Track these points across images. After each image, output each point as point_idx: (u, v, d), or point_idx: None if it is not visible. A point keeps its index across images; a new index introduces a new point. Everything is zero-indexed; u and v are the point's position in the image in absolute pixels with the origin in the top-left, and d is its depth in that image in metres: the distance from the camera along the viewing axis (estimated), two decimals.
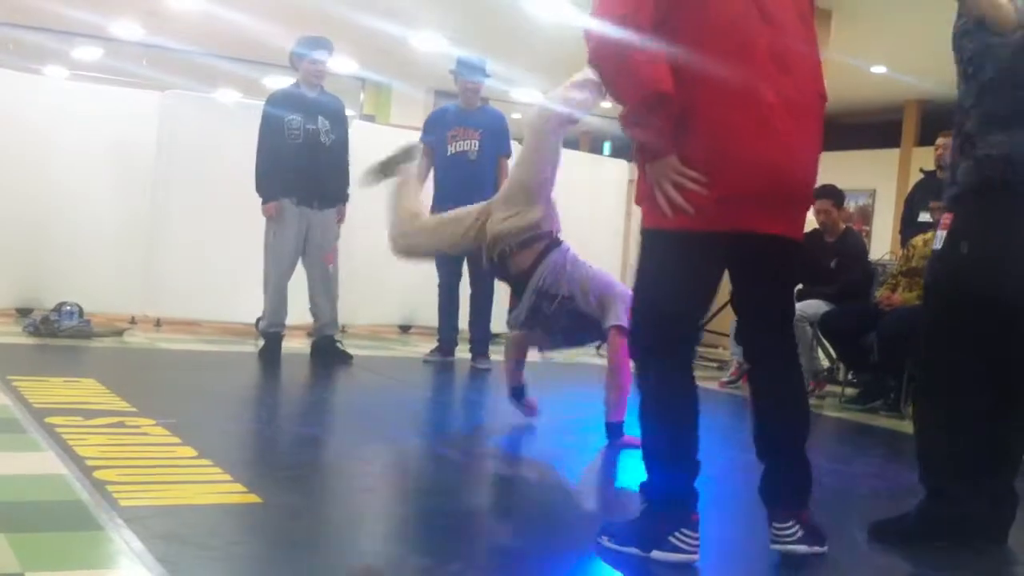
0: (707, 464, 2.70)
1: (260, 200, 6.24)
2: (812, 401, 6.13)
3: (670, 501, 2.67)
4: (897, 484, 4.13)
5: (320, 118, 6.30)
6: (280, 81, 14.00)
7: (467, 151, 6.72)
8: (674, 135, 2.53)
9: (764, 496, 2.78)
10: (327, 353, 6.40)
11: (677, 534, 2.62)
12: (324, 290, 6.41)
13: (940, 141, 7.25)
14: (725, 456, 3.88)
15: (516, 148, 6.90)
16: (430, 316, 8.11)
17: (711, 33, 2.55)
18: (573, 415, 4.97)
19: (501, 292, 7.16)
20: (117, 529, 2.53)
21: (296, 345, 6.76)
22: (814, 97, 2.68)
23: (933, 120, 12.84)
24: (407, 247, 4.77)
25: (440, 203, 6.65)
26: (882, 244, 12.19)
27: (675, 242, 2.61)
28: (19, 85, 7.25)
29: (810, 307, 6.27)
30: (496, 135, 6.83)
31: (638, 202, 2.71)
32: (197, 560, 2.41)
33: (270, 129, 6.23)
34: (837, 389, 6.51)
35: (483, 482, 3.67)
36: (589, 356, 8.29)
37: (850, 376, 6.64)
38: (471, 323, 6.86)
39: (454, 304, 6.86)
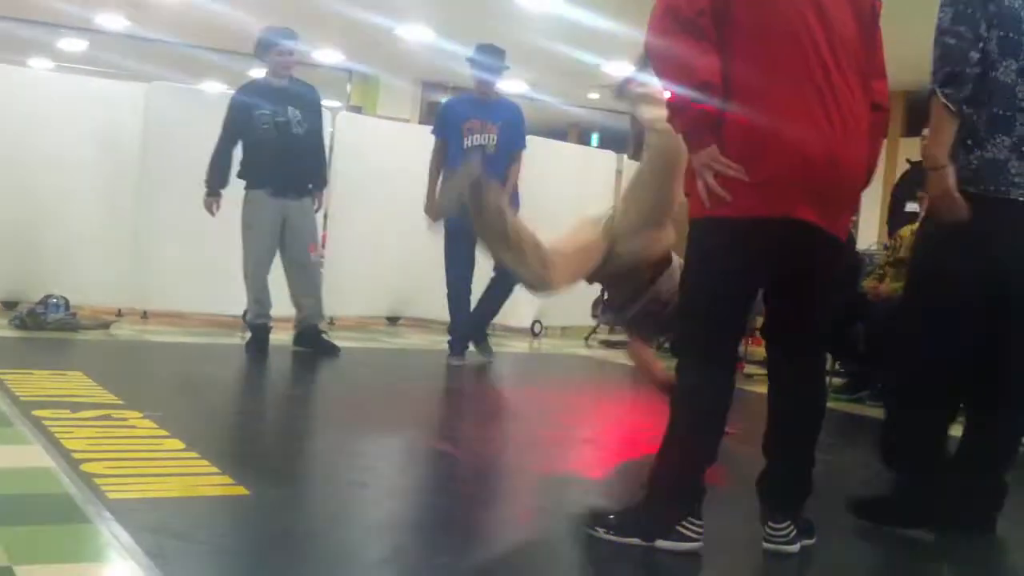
0: None
1: (207, 192, 6.23)
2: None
3: (683, 490, 2.68)
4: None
5: (290, 108, 6.25)
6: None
7: (484, 145, 6.41)
8: (715, 126, 2.55)
9: (763, 493, 2.79)
10: (312, 343, 6.38)
11: (685, 523, 2.64)
12: (306, 280, 6.37)
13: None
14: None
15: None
16: (418, 307, 8.12)
17: (766, 24, 2.56)
18: (564, 405, 4.97)
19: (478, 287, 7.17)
20: (105, 522, 2.52)
21: (284, 338, 6.74)
22: (864, 104, 2.67)
23: (920, 111, 12.85)
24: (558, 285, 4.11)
25: None
26: (869, 234, 12.21)
27: (720, 230, 2.60)
28: (3, 77, 7.20)
29: None
30: (513, 129, 6.54)
31: (686, 192, 2.72)
32: (185, 553, 2.41)
33: (235, 122, 6.22)
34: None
35: (474, 474, 3.67)
36: (576, 347, 8.32)
37: (837, 366, 6.66)
38: (479, 315, 6.68)
39: (467, 300, 6.59)
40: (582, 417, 4.74)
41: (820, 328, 2.85)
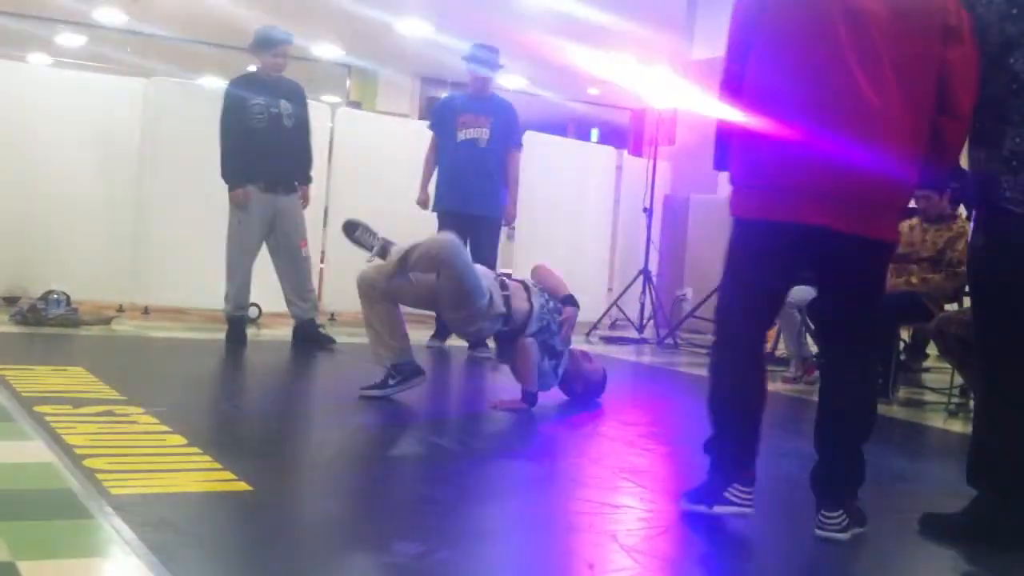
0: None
1: (231, 187, 6.27)
2: (800, 387, 6.16)
3: (722, 458, 2.89)
4: (882, 469, 4.15)
5: (282, 101, 6.33)
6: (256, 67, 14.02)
7: (477, 139, 6.72)
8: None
9: (815, 486, 2.91)
10: (309, 338, 6.42)
11: (731, 489, 2.83)
12: (301, 276, 6.45)
13: None
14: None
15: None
16: None
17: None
18: (563, 399, 4.98)
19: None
20: (107, 517, 2.53)
21: (285, 333, 6.75)
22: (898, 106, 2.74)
23: None
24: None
25: (446, 191, 6.77)
26: None
27: (737, 230, 2.89)
28: (2, 72, 7.20)
29: (798, 292, 6.28)
30: (507, 126, 6.80)
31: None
32: (187, 548, 2.42)
33: (234, 112, 6.26)
34: None
35: (474, 469, 3.68)
36: (578, 341, 8.29)
37: None
38: None
39: None
40: (582, 409, 4.75)
41: (856, 327, 2.93)
